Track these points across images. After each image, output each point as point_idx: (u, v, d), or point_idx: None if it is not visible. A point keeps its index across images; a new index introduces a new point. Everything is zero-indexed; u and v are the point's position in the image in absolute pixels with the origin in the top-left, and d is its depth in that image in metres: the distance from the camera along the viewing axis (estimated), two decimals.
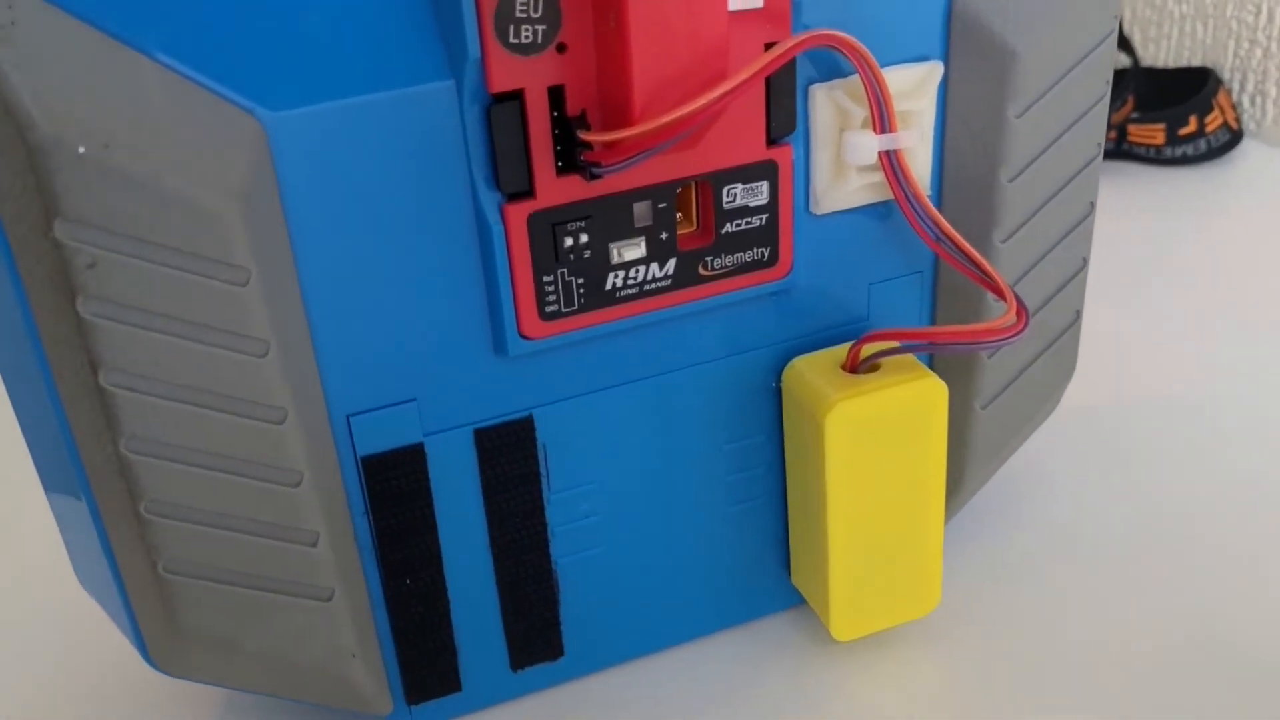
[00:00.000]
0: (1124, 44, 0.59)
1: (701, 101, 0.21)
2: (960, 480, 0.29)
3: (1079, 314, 0.29)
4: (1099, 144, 0.27)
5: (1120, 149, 0.53)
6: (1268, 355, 0.40)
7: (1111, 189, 0.51)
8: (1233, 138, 0.53)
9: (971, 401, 0.28)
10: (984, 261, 0.25)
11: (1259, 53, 0.55)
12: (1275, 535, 0.32)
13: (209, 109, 0.20)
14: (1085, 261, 0.29)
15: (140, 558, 0.23)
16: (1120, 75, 0.58)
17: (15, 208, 0.20)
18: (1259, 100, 0.55)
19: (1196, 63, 0.58)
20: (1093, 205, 0.28)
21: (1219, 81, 0.54)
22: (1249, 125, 0.56)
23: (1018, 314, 0.24)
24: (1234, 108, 0.54)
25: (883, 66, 0.24)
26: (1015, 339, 0.24)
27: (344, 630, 0.25)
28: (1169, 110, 0.53)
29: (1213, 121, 0.53)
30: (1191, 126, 0.52)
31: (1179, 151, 0.52)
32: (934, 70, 0.25)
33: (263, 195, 0.21)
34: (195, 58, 0.20)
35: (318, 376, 0.23)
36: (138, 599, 0.24)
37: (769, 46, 0.23)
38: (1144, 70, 0.58)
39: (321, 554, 0.24)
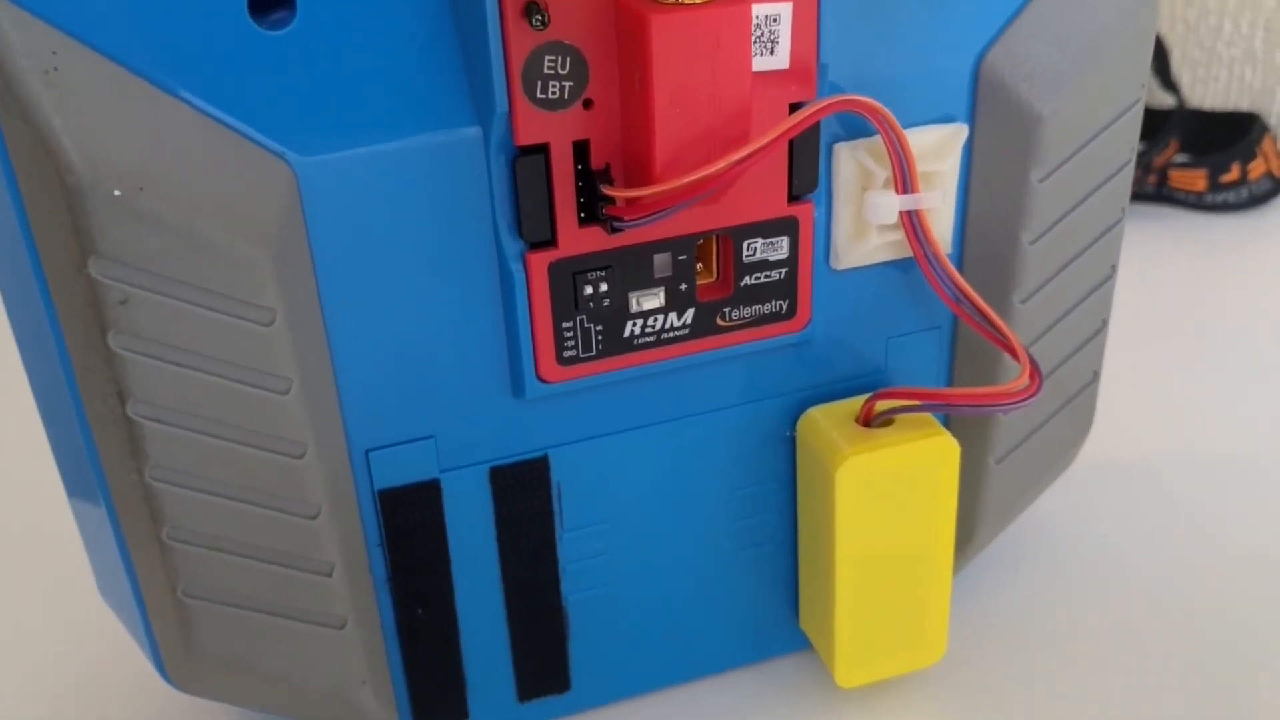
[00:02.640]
0: (1170, 84, 0.59)
1: (723, 164, 0.21)
2: (971, 534, 0.30)
3: (1097, 374, 0.29)
4: (1122, 209, 0.28)
5: (1161, 193, 0.52)
6: None
7: (1150, 234, 0.51)
8: (1275, 186, 0.53)
9: (985, 457, 0.29)
10: (1001, 323, 0.25)
11: None
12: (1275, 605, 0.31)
13: (241, 153, 0.21)
14: (1105, 323, 0.29)
15: (161, 580, 0.24)
16: (1165, 117, 0.58)
17: (52, 245, 0.21)
18: None
19: (1244, 107, 0.58)
20: (1114, 268, 0.28)
21: (1265, 128, 0.54)
22: None
23: (1031, 377, 0.24)
24: (1279, 154, 0.54)
25: (907, 127, 0.25)
26: (1028, 403, 0.24)
27: (355, 658, 0.26)
28: (1212, 156, 0.52)
29: (1256, 169, 0.52)
30: (1234, 174, 0.52)
31: (1220, 199, 0.52)
32: (958, 132, 0.25)
33: (291, 238, 0.22)
34: (229, 103, 0.21)
35: (339, 413, 0.24)
36: (157, 619, 0.25)
37: (794, 106, 0.23)
38: (1190, 112, 0.57)
39: (336, 584, 0.25)
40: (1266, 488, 0.36)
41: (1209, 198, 0.52)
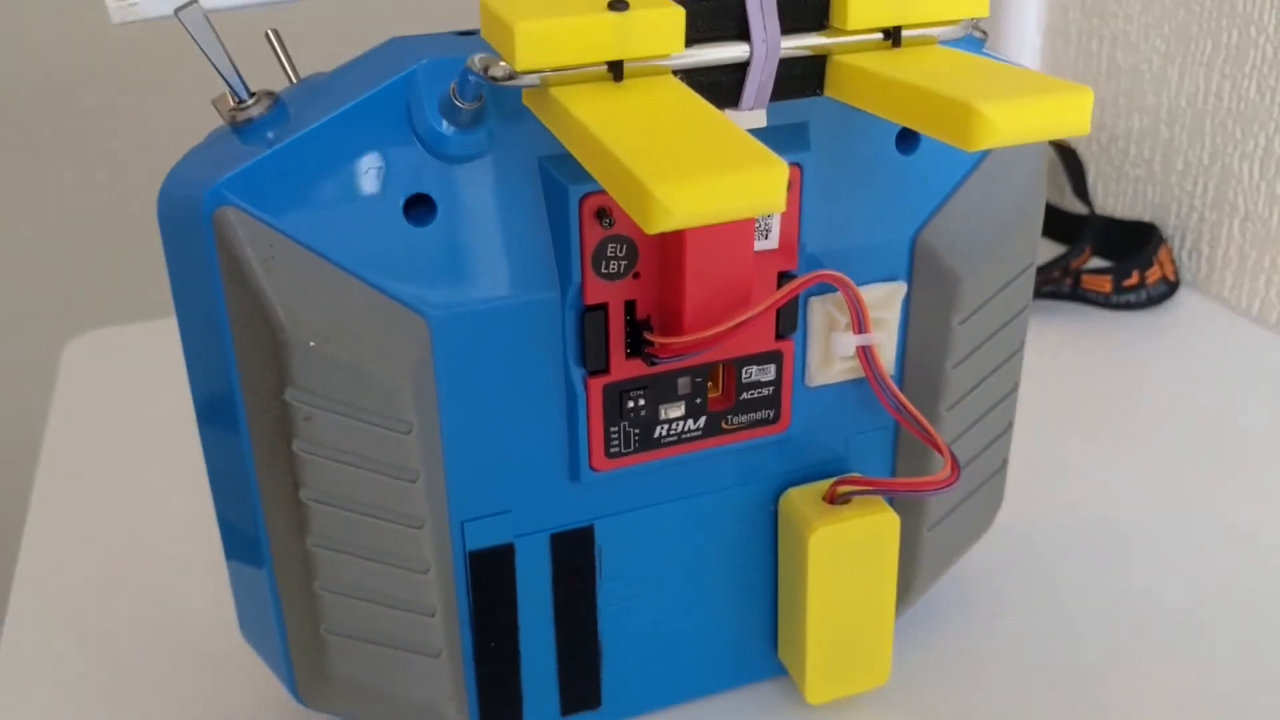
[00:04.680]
0: (1085, 196, 0.69)
1: (732, 323, 0.30)
2: (910, 585, 0.38)
3: (1005, 462, 0.38)
4: (1021, 341, 0.37)
5: (1075, 293, 0.62)
6: (1178, 482, 0.49)
7: (1066, 328, 0.61)
8: (1169, 288, 0.63)
9: (920, 526, 0.37)
10: (930, 427, 0.34)
11: (1195, 217, 0.64)
12: (1144, 642, 0.40)
13: (393, 313, 0.29)
14: (1010, 424, 0.38)
15: (307, 622, 0.32)
16: (1083, 223, 0.68)
17: (254, 377, 0.29)
18: (1195, 256, 0.64)
19: (1147, 218, 0.68)
20: (1016, 384, 0.37)
21: (1161, 239, 0.64)
22: (1186, 276, 0.65)
23: (952, 469, 0.33)
24: (1173, 261, 0.64)
25: (861, 285, 0.34)
26: (950, 490, 0.33)
27: (445, 680, 0.34)
28: (1117, 265, 0.62)
29: (1153, 275, 0.62)
30: (1135, 279, 0.62)
31: (1124, 299, 0.62)
32: (899, 289, 0.34)
33: (425, 370, 0.30)
34: (386, 277, 0.29)
35: (445, 494, 0.32)
36: (297, 651, 0.33)
37: (782, 273, 0.32)
38: (1102, 220, 0.67)
39: (436, 623, 0.33)
40: (1133, 547, 0.45)
41: (1114, 298, 0.62)
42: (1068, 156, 0.70)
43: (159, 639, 0.42)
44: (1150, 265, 0.62)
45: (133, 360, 0.60)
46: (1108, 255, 0.66)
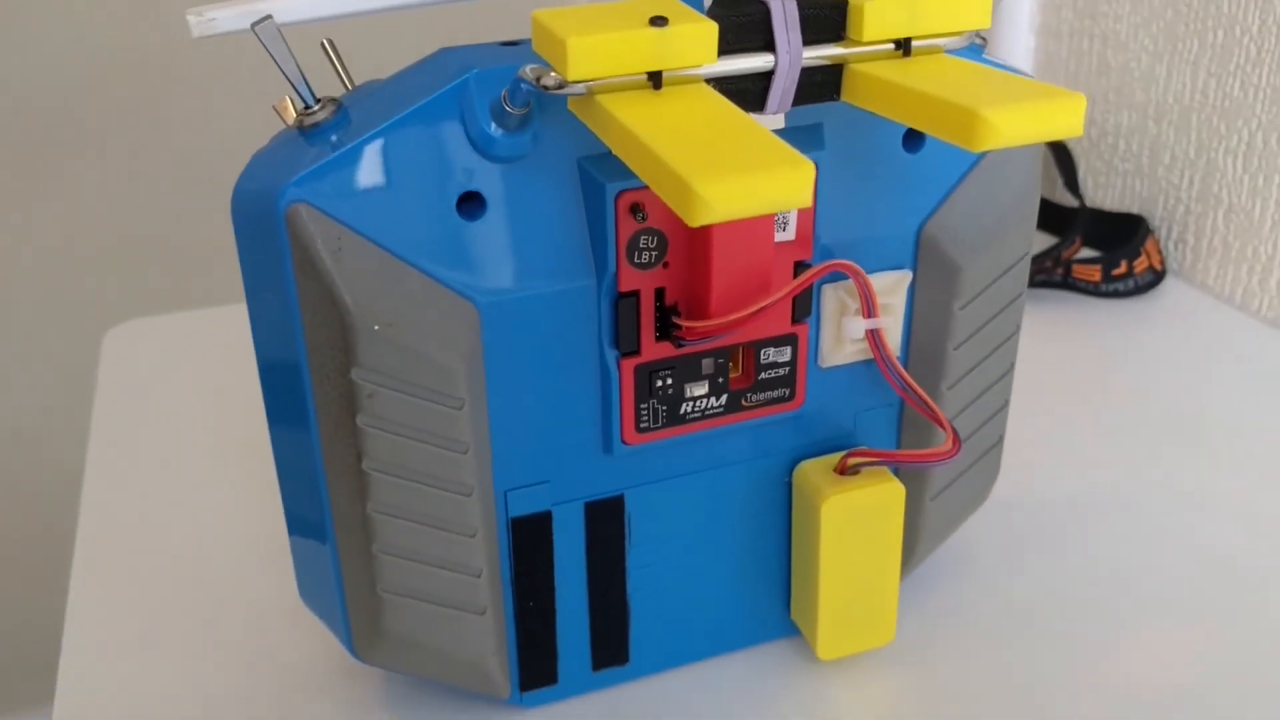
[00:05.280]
0: (1075, 190, 0.72)
1: (754, 308, 0.33)
2: (914, 550, 0.41)
3: (1001, 438, 0.41)
4: (1017, 325, 0.40)
5: (1066, 282, 0.65)
6: (1161, 460, 0.52)
7: (1057, 315, 0.64)
8: (1156, 277, 0.66)
9: (923, 496, 0.40)
10: (933, 404, 0.37)
11: (1181, 209, 0.67)
12: (1128, 604, 0.44)
13: (447, 299, 0.32)
14: (1006, 402, 0.41)
15: (365, 582, 0.35)
16: (1073, 215, 0.71)
17: (322, 359, 0.32)
18: (1181, 246, 0.68)
19: (1135, 210, 0.71)
20: (1012, 365, 0.40)
21: (1149, 230, 0.67)
22: (1172, 266, 0.68)
23: (953, 443, 0.36)
24: (1159, 251, 0.67)
25: (870, 272, 0.36)
26: (951, 461, 0.36)
27: (489, 636, 0.37)
28: (1106, 255, 0.65)
29: (1140, 264, 0.65)
30: (1123, 269, 0.65)
31: (1112, 288, 0.65)
32: (905, 276, 0.37)
33: (474, 352, 0.33)
34: (441, 267, 0.32)
35: (491, 466, 0.35)
36: (354, 610, 0.36)
37: (798, 262, 0.35)
38: (1092, 212, 0.70)
39: (482, 583, 0.36)
40: (1142, 519, 0.48)
41: (1103, 287, 0.65)
42: (1059, 151, 0.73)
43: (215, 606, 0.45)
44: (1138, 255, 0.65)
45: (170, 349, 0.63)
46: (1097, 246, 0.69)
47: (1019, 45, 0.77)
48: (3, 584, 1.26)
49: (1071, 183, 0.72)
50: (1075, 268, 0.65)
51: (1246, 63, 0.62)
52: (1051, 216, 0.72)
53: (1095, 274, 0.64)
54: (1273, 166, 0.61)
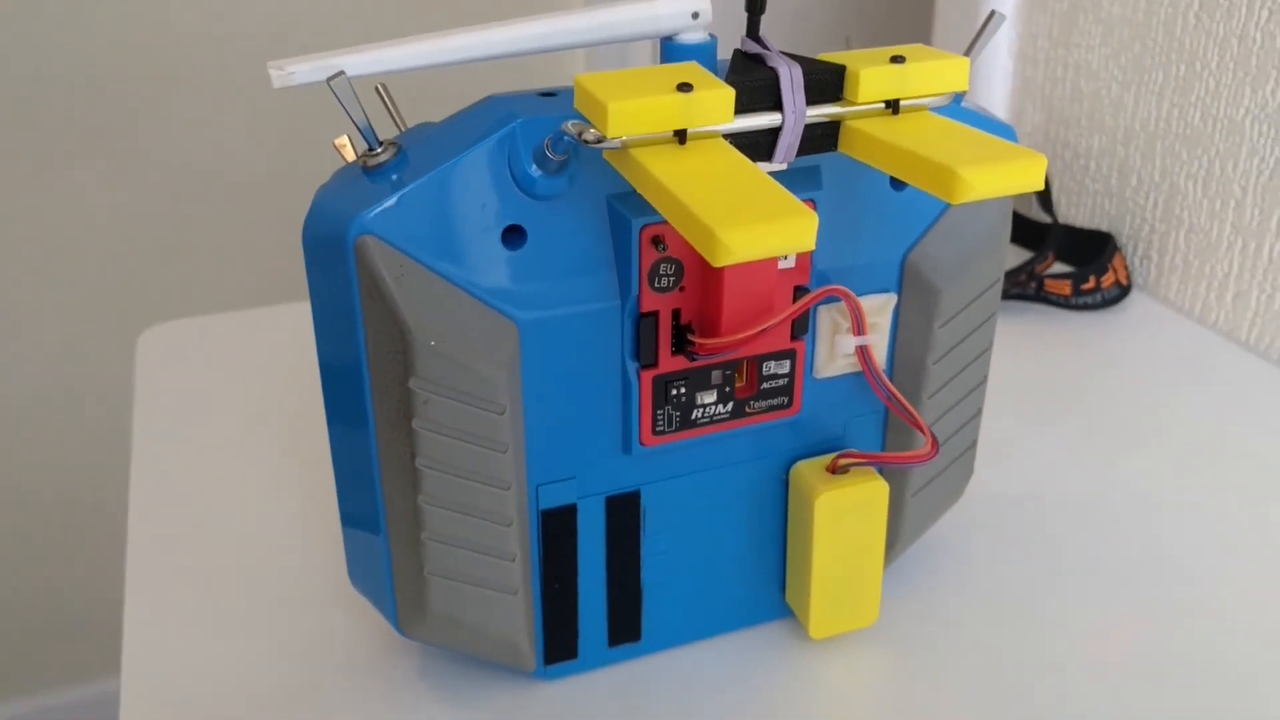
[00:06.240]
0: (1049, 207, 0.77)
1: (759, 328, 0.38)
2: (896, 541, 0.46)
3: (974, 442, 0.46)
4: (990, 342, 0.45)
5: (1039, 295, 0.70)
6: (1121, 460, 0.57)
7: (1029, 326, 0.69)
8: (1122, 291, 0.71)
9: (905, 492, 0.45)
10: (914, 411, 0.42)
11: (1146, 228, 0.72)
12: (1086, 592, 0.49)
13: (492, 319, 0.37)
14: (980, 410, 0.46)
15: (413, 566, 0.40)
16: (1046, 231, 0.76)
17: (382, 369, 0.37)
18: (1145, 263, 0.73)
19: (1104, 228, 0.76)
20: (985, 377, 0.45)
21: (1116, 247, 0.72)
22: (1138, 280, 0.73)
23: (932, 446, 0.41)
24: (1126, 267, 0.72)
25: (860, 295, 0.41)
26: (929, 462, 0.41)
27: (520, 615, 0.42)
28: (1076, 271, 0.70)
29: (1108, 279, 0.70)
30: (1091, 284, 0.70)
31: (1081, 301, 0.70)
32: (891, 299, 0.42)
33: (514, 364, 0.38)
34: (487, 290, 0.37)
35: (524, 463, 0.40)
36: (401, 591, 0.41)
37: (798, 288, 0.40)
38: (1064, 228, 0.75)
39: (515, 567, 0.41)
40: (1102, 514, 0.53)
41: (1073, 300, 0.70)
42: None
43: (262, 589, 0.49)
44: (1105, 271, 0.70)
45: (204, 350, 0.68)
46: (1069, 260, 0.75)
47: (998, 69, 0.82)
48: (64, 570, 1.33)
49: (1045, 201, 0.77)
50: (1047, 282, 0.70)
51: (1206, 95, 0.67)
52: (1026, 232, 0.77)
53: (1066, 288, 0.70)
54: (1228, 192, 0.67)
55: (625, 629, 0.45)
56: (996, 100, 0.83)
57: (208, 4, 1.16)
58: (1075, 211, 0.78)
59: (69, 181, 1.19)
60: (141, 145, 1.20)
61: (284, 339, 0.68)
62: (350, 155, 0.38)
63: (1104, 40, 0.73)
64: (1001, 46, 0.82)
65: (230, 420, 0.61)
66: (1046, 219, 0.77)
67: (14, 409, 1.25)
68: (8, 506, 1.29)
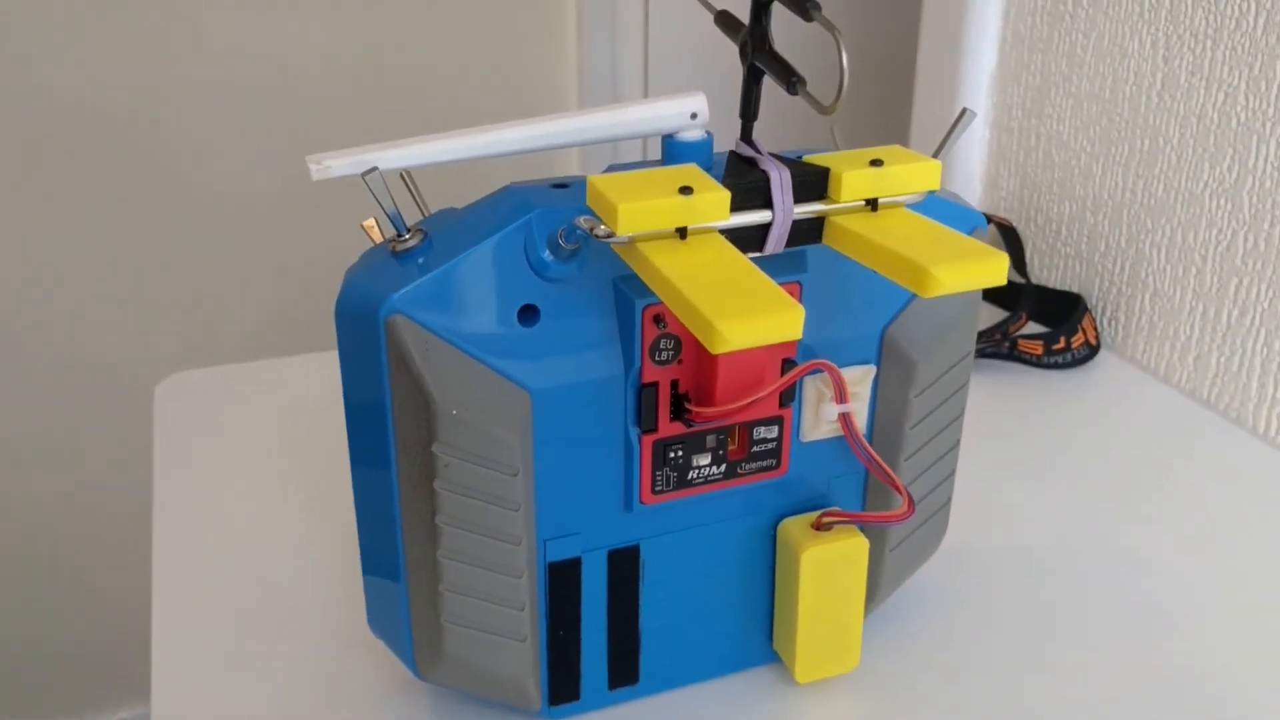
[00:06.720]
0: (1022, 269, 0.81)
1: (749, 400, 0.42)
2: (876, 592, 0.50)
3: (949, 500, 0.50)
4: (962, 409, 0.48)
5: (1012, 354, 0.74)
6: (1090, 514, 0.60)
7: (1002, 384, 0.73)
8: (1091, 351, 0.75)
9: (884, 547, 0.49)
10: (892, 474, 0.46)
11: (1114, 291, 0.77)
12: (1058, 641, 0.52)
13: (508, 389, 0.41)
14: (953, 471, 0.50)
15: (430, 614, 0.43)
16: (1020, 291, 0.80)
17: (407, 435, 0.40)
18: (1113, 324, 0.77)
19: (1074, 289, 0.80)
20: (958, 441, 0.49)
21: (1086, 309, 0.76)
22: (1106, 341, 0.77)
23: (908, 506, 0.45)
24: (1095, 328, 0.76)
25: (842, 367, 0.45)
26: (906, 521, 0.45)
27: (528, 659, 0.45)
28: (1048, 332, 0.74)
29: (1077, 340, 0.74)
30: (1061, 344, 0.74)
31: (1052, 360, 0.74)
32: (870, 370, 0.46)
33: (527, 429, 0.41)
34: (503, 364, 0.41)
35: (534, 520, 0.43)
36: (419, 637, 0.44)
37: (786, 361, 0.44)
38: (1036, 288, 0.80)
39: (525, 616, 0.44)
40: (1071, 566, 0.57)
41: (1045, 359, 0.74)
42: (1009, 234, 0.82)
43: (281, 631, 0.52)
44: (1076, 332, 0.74)
45: (218, 400, 0.71)
46: (1041, 320, 0.79)
47: (975, 138, 0.86)
48: (90, 602, 1.40)
49: (1019, 263, 0.82)
50: (1020, 342, 0.74)
51: (1169, 168, 0.71)
52: (1001, 292, 0.81)
53: (1038, 348, 0.74)
54: (1190, 260, 0.71)
55: (624, 672, 0.48)
56: (974, 165, 0.87)
57: (238, 59, 1.19)
58: (1048, 273, 0.82)
59: (88, 227, 1.22)
60: (164, 191, 1.23)
61: (298, 389, 0.72)
62: (377, 236, 0.42)
63: (1074, 113, 0.78)
64: (979, 116, 0.86)
65: (249, 468, 0.64)
66: (1020, 280, 0.81)
67: (44, 444, 1.28)
68: (38, 548, 1.33)
